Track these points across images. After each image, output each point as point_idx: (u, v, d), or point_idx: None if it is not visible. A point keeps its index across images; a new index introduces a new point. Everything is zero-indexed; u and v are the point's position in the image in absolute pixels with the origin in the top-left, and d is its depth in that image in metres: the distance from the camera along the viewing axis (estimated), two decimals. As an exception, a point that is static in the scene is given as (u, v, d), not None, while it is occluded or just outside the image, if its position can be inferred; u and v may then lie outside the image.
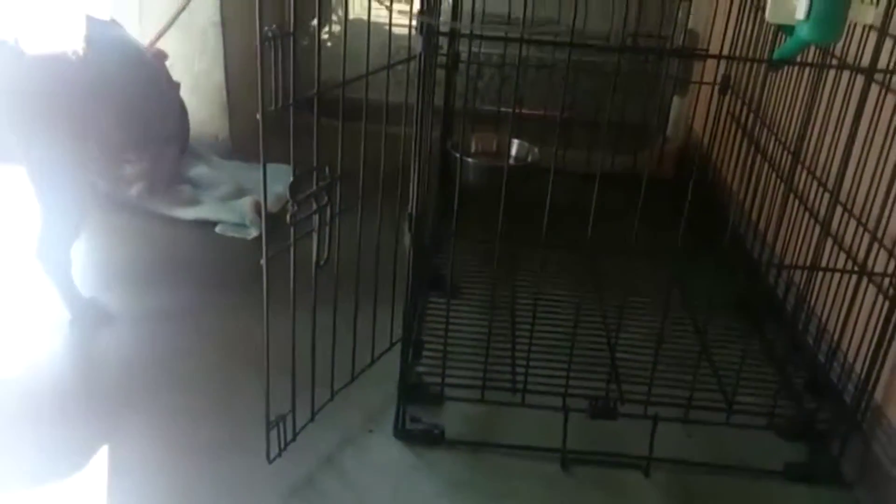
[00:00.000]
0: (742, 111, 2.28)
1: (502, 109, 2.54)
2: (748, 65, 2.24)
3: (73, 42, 1.85)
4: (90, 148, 1.96)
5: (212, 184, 2.59)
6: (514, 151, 2.62)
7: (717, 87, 2.33)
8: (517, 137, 2.63)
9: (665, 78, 2.40)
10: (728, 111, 2.35)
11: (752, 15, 2.15)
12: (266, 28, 1.17)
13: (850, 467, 1.62)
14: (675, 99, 3.03)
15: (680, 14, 2.85)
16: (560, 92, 3.00)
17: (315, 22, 2.69)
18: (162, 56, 2.39)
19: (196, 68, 2.53)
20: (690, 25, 2.87)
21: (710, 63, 2.65)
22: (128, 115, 2.07)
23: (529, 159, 2.60)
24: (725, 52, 2.26)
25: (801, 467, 1.63)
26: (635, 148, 2.58)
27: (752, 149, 2.16)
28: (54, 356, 1.85)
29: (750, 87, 2.24)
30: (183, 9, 2.44)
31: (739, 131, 2.28)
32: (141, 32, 2.60)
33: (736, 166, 2.26)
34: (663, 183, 2.53)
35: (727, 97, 2.34)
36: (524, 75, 2.41)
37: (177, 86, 2.42)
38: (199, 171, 2.66)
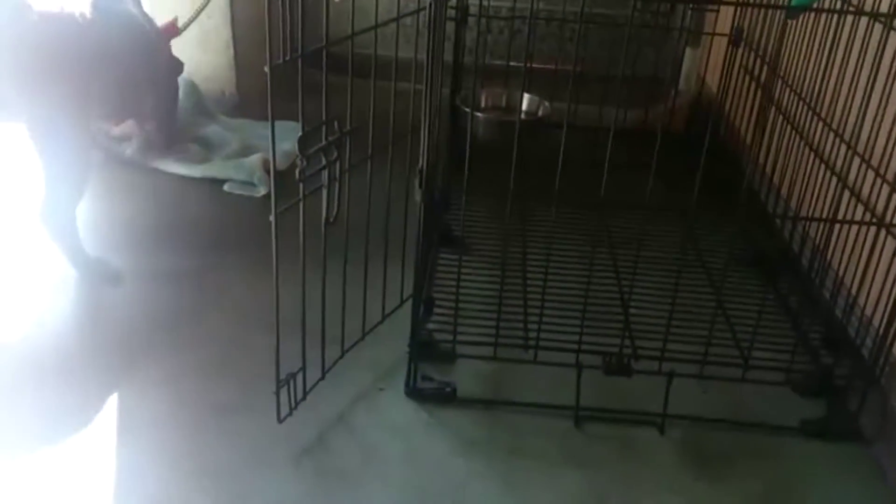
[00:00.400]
0: (755, 63, 2.24)
1: (512, 64, 2.50)
2: (762, 16, 2.19)
3: (79, 4, 1.84)
4: (92, 108, 1.94)
5: (220, 142, 2.57)
6: (524, 106, 2.58)
7: (730, 39, 2.29)
8: (527, 92, 2.59)
9: (681, 30, 2.36)
10: (741, 63, 2.31)
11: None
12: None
13: (868, 423, 1.60)
14: (688, 51, 2.99)
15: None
16: (570, 46, 2.97)
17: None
18: (171, 32, 2.36)
19: (205, 26, 2.51)
20: (702, -24, 2.81)
21: (723, 15, 2.60)
22: (124, 82, 2.05)
23: (540, 114, 2.57)
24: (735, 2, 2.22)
25: (818, 423, 1.61)
26: (647, 102, 2.54)
27: (766, 101, 2.12)
28: (61, 316, 1.84)
29: (763, 37, 2.20)
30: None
31: (753, 83, 2.24)
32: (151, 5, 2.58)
33: (749, 119, 2.22)
34: (675, 137, 2.50)
35: (740, 49, 2.30)
36: (534, 29, 2.36)
37: (179, 65, 2.39)
38: (207, 129, 2.63)
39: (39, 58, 1.76)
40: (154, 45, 2.18)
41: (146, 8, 2.25)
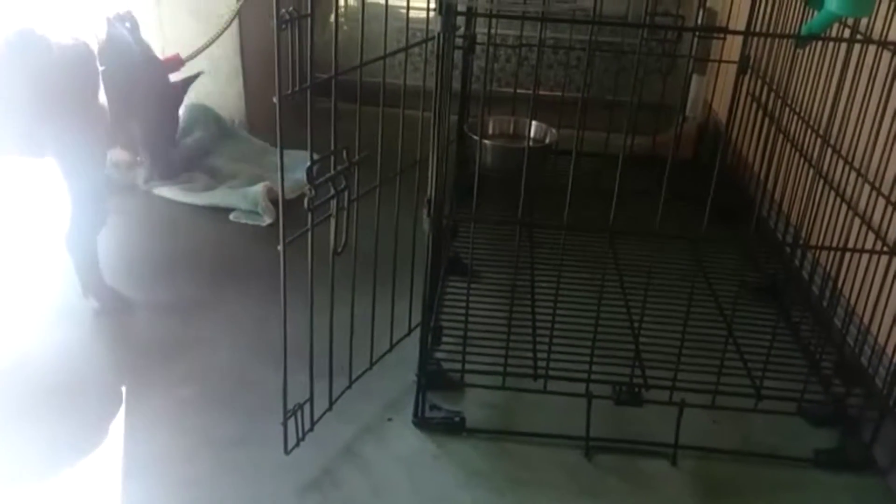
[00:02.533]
0: (763, 90, 2.24)
1: (519, 91, 2.50)
2: (769, 43, 2.19)
3: (92, 37, 1.87)
4: (110, 135, 1.96)
5: (228, 172, 2.57)
6: (532, 133, 2.58)
7: (737, 66, 2.29)
8: (535, 119, 2.59)
9: (689, 58, 2.37)
10: (748, 90, 2.30)
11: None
12: (283, 10, 1.14)
13: (882, 453, 1.58)
14: (694, 78, 2.99)
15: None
16: (576, 73, 2.97)
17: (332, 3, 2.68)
18: (173, 65, 2.38)
19: (214, 55, 2.52)
20: (708, 4, 2.82)
21: (730, 42, 2.60)
22: (128, 111, 2.07)
23: (548, 141, 2.57)
24: (745, 29, 2.21)
25: (832, 454, 1.59)
26: (654, 128, 2.54)
27: (774, 128, 2.11)
28: (70, 346, 1.83)
29: (771, 65, 2.20)
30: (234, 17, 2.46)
31: (760, 110, 2.24)
32: (159, 24, 2.60)
33: (757, 146, 2.21)
34: (682, 163, 2.50)
35: (747, 76, 2.29)
36: (541, 57, 2.37)
37: (176, 98, 2.42)
38: (216, 159, 2.63)
39: (62, 91, 1.77)
40: (144, 75, 2.19)
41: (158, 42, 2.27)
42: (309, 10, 1.19)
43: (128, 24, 2.18)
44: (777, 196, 2.09)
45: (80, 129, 1.82)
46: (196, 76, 2.47)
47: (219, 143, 2.70)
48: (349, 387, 1.63)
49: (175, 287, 2.06)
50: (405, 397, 1.68)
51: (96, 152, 1.90)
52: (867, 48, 1.68)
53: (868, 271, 1.67)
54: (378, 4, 1.47)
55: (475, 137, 2.37)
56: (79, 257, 1.90)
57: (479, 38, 2.31)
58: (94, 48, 1.86)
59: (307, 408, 1.49)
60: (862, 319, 1.69)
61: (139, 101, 2.22)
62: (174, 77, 2.41)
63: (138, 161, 2.46)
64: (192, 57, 2.43)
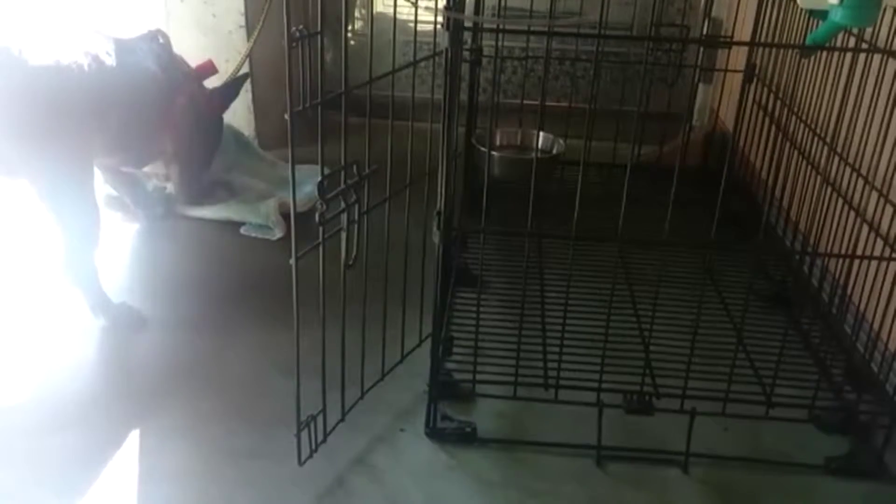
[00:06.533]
0: (769, 98, 2.25)
1: (526, 102, 2.52)
2: (775, 52, 2.20)
3: (78, 54, 1.84)
4: (95, 157, 1.97)
5: (242, 187, 2.59)
6: (539, 144, 2.59)
7: (743, 75, 2.30)
8: (542, 130, 2.61)
9: (695, 67, 2.38)
10: (755, 99, 2.31)
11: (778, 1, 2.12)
12: (294, 28, 1.16)
13: (894, 459, 1.58)
14: (701, 86, 3.00)
15: (703, 2, 2.83)
16: (582, 84, 2.99)
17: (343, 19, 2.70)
18: (205, 72, 2.39)
19: (223, 70, 2.55)
20: (713, 13, 2.83)
21: (735, 51, 2.61)
22: (130, 129, 2.07)
23: (555, 151, 2.58)
24: (751, 39, 2.22)
25: (843, 461, 1.59)
26: (661, 137, 2.55)
27: (781, 136, 2.12)
28: (84, 363, 1.84)
29: (777, 73, 2.21)
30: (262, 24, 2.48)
31: (767, 118, 2.24)
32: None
33: (764, 154, 2.22)
34: (690, 171, 2.50)
35: (753, 84, 2.30)
36: (547, 69, 2.39)
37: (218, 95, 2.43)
38: (230, 175, 2.65)
39: (36, 113, 1.74)
40: (165, 92, 2.19)
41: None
42: (319, 28, 1.21)
43: (161, 41, 2.20)
44: (785, 203, 2.09)
45: (54, 154, 1.79)
46: (242, 78, 2.47)
47: (235, 157, 2.72)
48: (361, 398, 1.64)
49: (186, 300, 2.08)
50: (417, 408, 1.69)
51: (75, 177, 1.86)
52: (873, 56, 1.69)
53: (877, 277, 1.68)
54: (386, 18, 1.48)
55: (483, 149, 2.38)
56: (78, 282, 1.89)
57: (486, 51, 2.33)
58: (77, 71, 1.82)
59: (320, 419, 1.50)
60: (872, 326, 1.70)
61: (172, 119, 2.23)
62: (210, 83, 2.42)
63: (170, 178, 2.46)
64: (242, 62, 2.47)
